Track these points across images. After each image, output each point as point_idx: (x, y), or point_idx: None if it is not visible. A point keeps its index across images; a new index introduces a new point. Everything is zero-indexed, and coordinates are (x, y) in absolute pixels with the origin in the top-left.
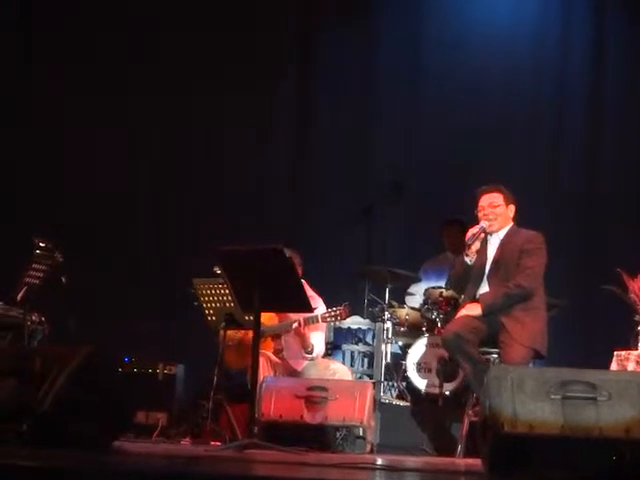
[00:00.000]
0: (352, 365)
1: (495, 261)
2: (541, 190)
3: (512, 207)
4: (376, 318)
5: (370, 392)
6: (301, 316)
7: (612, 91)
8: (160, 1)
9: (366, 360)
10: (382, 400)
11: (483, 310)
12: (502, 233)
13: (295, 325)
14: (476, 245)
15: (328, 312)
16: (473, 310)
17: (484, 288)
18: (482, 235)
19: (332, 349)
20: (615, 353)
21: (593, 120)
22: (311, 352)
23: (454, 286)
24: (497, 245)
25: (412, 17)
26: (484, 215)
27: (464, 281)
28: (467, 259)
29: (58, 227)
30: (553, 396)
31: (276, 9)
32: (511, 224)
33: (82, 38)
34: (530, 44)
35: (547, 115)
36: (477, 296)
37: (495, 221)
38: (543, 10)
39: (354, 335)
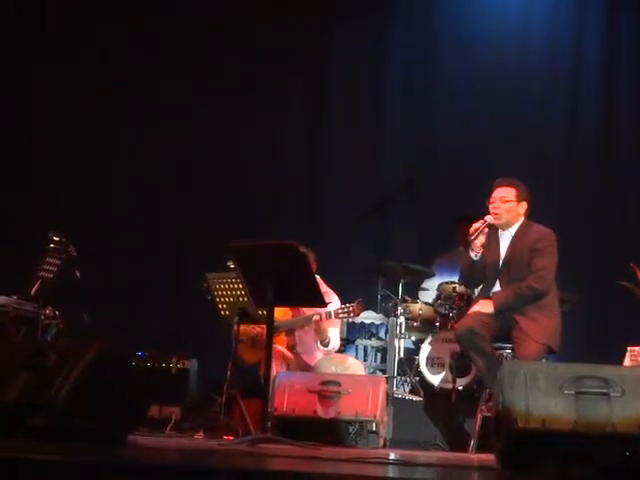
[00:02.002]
0: (365, 360)
1: (506, 260)
2: (555, 187)
3: (524, 204)
4: (389, 313)
5: (383, 387)
6: (314, 311)
7: (626, 90)
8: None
9: (379, 355)
10: (395, 395)
11: (495, 309)
12: (513, 230)
13: (316, 318)
14: (480, 239)
15: (341, 308)
16: (485, 307)
17: (497, 287)
18: (486, 229)
19: (345, 344)
20: (628, 349)
21: (607, 119)
22: (327, 345)
23: (464, 282)
24: (509, 242)
25: (423, 17)
26: (493, 207)
27: (473, 277)
28: (472, 254)
29: (72, 221)
30: (566, 391)
31: (290, 8)
32: (522, 220)
33: (84, 37)
34: (542, 42)
35: (560, 114)
36: (491, 294)
37: (502, 216)
38: (555, 8)
39: (367, 330)
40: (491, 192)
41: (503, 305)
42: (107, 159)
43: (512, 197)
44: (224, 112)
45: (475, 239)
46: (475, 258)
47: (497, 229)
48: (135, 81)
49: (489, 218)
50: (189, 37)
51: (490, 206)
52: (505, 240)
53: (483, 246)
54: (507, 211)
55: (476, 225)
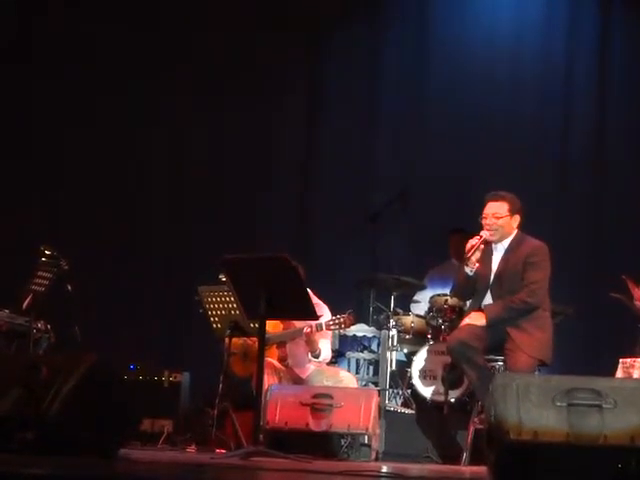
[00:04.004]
0: (357, 373)
1: (498, 273)
2: (548, 195)
3: (517, 217)
4: (381, 326)
5: (375, 400)
6: (305, 323)
7: (619, 90)
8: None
9: (371, 368)
10: (387, 408)
11: (487, 322)
12: (506, 243)
13: (307, 330)
14: (476, 255)
15: (332, 320)
16: (477, 320)
17: (488, 299)
18: (482, 246)
19: (337, 357)
20: (620, 360)
21: (600, 122)
22: (318, 356)
23: (457, 295)
24: (501, 255)
25: (417, 22)
26: (486, 224)
27: (466, 291)
28: (467, 269)
29: (63, 235)
30: (558, 403)
31: (283, 10)
32: (515, 232)
33: (84, 37)
34: (536, 43)
35: (554, 122)
36: (482, 307)
37: (496, 231)
38: (548, 9)
39: (359, 343)
40: (483, 207)
41: (495, 318)
42: (97, 170)
43: (505, 212)
44: (216, 121)
45: (471, 256)
46: (470, 273)
47: (490, 243)
48: (135, 81)
49: (485, 234)
50: (188, 37)
51: (483, 222)
52: (498, 253)
53: (478, 261)
54: (502, 226)
55: (472, 242)
